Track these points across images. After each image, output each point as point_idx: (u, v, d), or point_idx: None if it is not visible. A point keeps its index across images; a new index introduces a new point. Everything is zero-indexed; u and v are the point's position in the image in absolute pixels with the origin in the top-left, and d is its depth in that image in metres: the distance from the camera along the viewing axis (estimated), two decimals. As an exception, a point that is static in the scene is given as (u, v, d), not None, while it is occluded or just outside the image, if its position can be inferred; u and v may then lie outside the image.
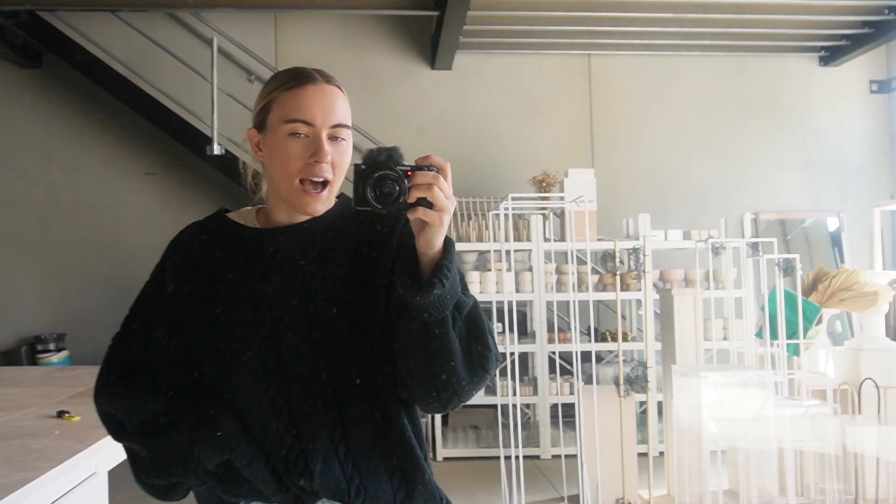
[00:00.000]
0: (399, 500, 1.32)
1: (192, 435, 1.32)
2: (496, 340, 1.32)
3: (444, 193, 1.17)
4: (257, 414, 1.31)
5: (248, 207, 1.47)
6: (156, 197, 6.77)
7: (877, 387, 4.28)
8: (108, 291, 6.45)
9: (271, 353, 1.32)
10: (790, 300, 4.45)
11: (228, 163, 5.91)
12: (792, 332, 4.44)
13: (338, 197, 1.42)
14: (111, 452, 2.02)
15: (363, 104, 6.72)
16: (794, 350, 4.48)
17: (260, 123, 1.37)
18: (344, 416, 1.31)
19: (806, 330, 4.43)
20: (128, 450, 1.41)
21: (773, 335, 4.42)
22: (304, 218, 1.38)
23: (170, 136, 6.47)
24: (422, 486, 1.34)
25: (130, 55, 6.53)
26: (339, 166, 1.33)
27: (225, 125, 6.05)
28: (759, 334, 4.64)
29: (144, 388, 1.36)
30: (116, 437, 1.40)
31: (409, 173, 1.18)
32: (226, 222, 1.44)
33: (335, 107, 1.33)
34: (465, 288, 1.27)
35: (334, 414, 1.31)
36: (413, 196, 1.17)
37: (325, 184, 1.33)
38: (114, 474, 2.12)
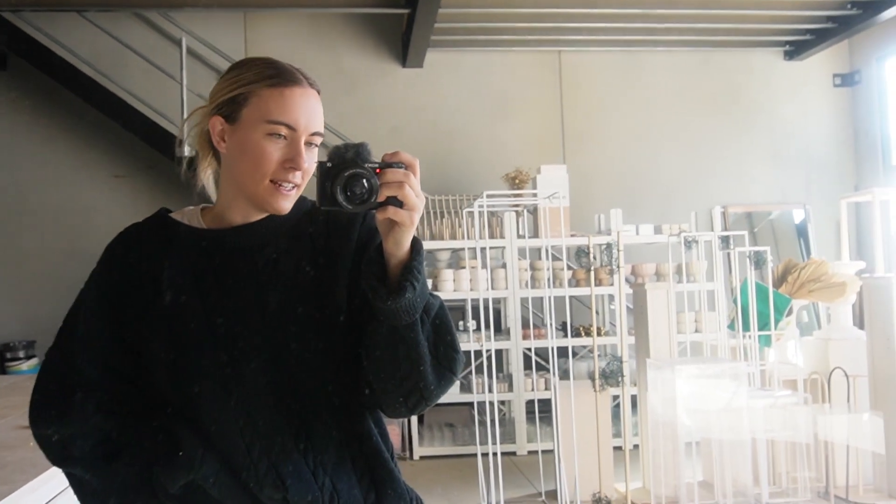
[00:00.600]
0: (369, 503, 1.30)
1: (151, 456, 1.24)
2: (470, 338, 1.30)
3: (415, 191, 1.12)
4: (219, 427, 1.25)
5: (191, 207, 1.38)
6: (126, 200, 6.69)
7: (846, 375, 4.35)
8: (75, 296, 6.36)
9: (229, 360, 1.25)
10: (761, 292, 4.51)
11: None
12: (763, 324, 4.50)
13: None
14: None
15: (334, 103, 6.69)
16: (766, 341, 4.54)
17: (229, 114, 1.28)
18: (309, 423, 1.27)
19: (777, 321, 4.50)
20: (71, 476, 1.30)
21: (745, 327, 4.48)
22: (258, 217, 1.32)
23: (139, 138, 6.41)
24: (391, 490, 1.31)
25: (98, 56, 6.45)
26: (307, 173, 1.28)
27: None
28: (732, 326, 4.70)
29: (90, 407, 1.26)
30: (59, 464, 1.29)
31: (378, 171, 1.13)
32: (171, 223, 1.36)
33: (317, 113, 1.28)
34: (430, 288, 1.24)
35: (299, 421, 1.26)
36: (382, 195, 1.12)
37: (293, 187, 1.29)
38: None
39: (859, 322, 4.98)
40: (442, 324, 1.23)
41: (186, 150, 1.43)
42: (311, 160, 1.28)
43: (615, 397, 5.42)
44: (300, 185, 1.29)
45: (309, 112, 1.27)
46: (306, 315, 1.28)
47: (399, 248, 1.15)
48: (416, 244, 1.16)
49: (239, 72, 1.29)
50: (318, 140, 1.30)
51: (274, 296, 1.28)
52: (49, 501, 1.86)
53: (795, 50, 7.33)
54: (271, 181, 1.26)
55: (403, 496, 1.33)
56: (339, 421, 1.29)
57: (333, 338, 1.28)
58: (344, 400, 1.29)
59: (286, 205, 1.28)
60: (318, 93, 1.31)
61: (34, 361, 6.21)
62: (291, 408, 1.27)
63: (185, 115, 5.88)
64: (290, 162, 1.25)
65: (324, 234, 1.32)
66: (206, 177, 1.40)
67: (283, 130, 1.25)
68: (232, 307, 1.28)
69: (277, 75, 1.27)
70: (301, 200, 1.35)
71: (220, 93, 1.30)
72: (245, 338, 1.27)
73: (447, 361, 1.23)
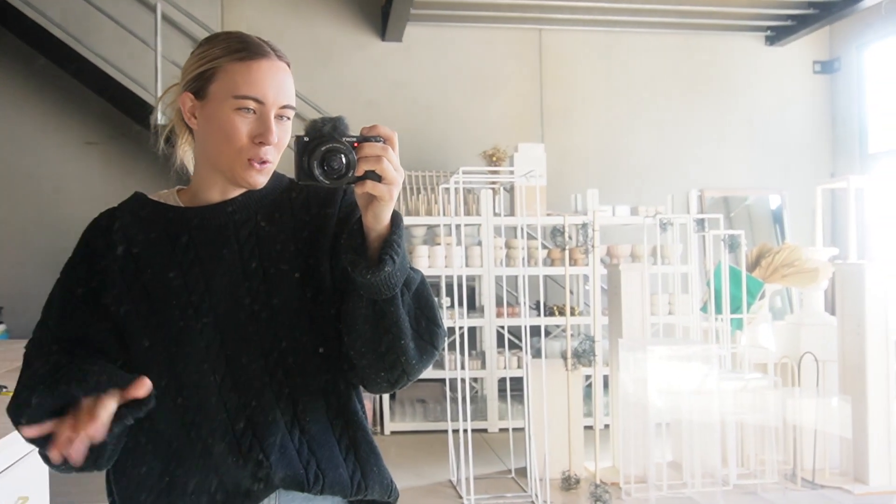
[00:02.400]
0: (355, 483, 1.28)
1: (113, 380, 1.14)
2: (443, 315, 1.28)
3: (393, 165, 1.12)
4: (204, 402, 1.24)
5: (166, 190, 1.37)
6: (97, 167, 6.58)
7: (816, 360, 4.39)
8: (46, 264, 6.23)
9: (214, 338, 1.25)
10: (734, 276, 4.53)
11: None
12: (736, 307, 4.52)
13: None
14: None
15: (311, 74, 6.62)
16: (738, 324, 4.56)
17: (198, 90, 1.27)
18: (296, 400, 1.26)
19: (749, 305, 4.52)
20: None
21: (718, 310, 4.50)
22: (235, 193, 1.31)
23: (112, 105, 6.30)
24: (376, 468, 1.31)
25: (70, 20, 6.31)
26: (280, 146, 1.27)
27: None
28: (704, 309, 4.72)
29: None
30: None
31: (356, 145, 1.12)
32: (147, 203, 1.33)
33: (286, 85, 1.26)
34: (410, 262, 1.23)
35: (286, 398, 1.25)
36: (361, 169, 1.11)
37: (265, 162, 1.27)
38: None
39: (831, 308, 5.02)
40: (423, 298, 1.23)
41: (160, 119, 1.40)
42: (283, 133, 1.27)
43: (587, 377, 5.44)
44: (273, 161, 1.28)
45: (277, 85, 1.25)
46: (290, 290, 1.27)
47: (378, 222, 1.14)
48: (395, 218, 1.16)
49: (207, 47, 1.28)
50: (290, 113, 1.28)
51: (257, 271, 1.27)
52: (11, 465, 1.85)
53: (776, 35, 7.33)
54: (247, 160, 1.25)
55: (385, 476, 1.32)
56: (326, 397, 1.29)
57: (318, 312, 1.27)
58: (330, 376, 1.29)
59: (261, 179, 1.27)
60: (289, 65, 1.30)
61: (1, 328, 6.12)
62: (277, 382, 1.26)
63: (159, 83, 5.82)
64: (260, 137, 1.24)
65: (304, 208, 1.32)
66: (184, 153, 1.39)
67: (252, 105, 1.24)
68: (215, 283, 1.26)
69: (244, 49, 1.25)
70: (279, 177, 1.35)
71: (189, 69, 1.29)
72: (229, 314, 1.26)
73: (428, 335, 1.23)
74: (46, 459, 1.19)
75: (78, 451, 1.11)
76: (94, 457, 1.19)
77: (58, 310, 1.29)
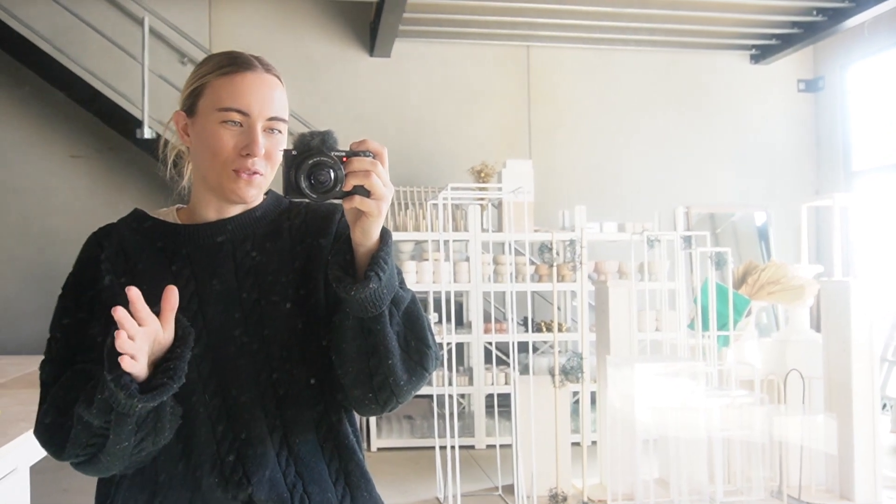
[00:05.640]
0: None
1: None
2: (434, 334, 1.25)
3: (382, 181, 1.10)
4: (192, 420, 1.21)
5: (165, 208, 1.35)
6: (82, 181, 6.55)
7: (802, 377, 4.40)
8: (31, 278, 6.23)
9: (205, 354, 1.23)
10: (721, 293, 4.54)
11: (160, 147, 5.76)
12: (722, 324, 4.53)
13: (266, 193, 1.34)
14: (33, 447, 1.93)
15: (299, 90, 6.61)
16: (725, 341, 4.57)
17: (189, 107, 1.28)
18: (286, 420, 1.24)
19: (736, 322, 4.53)
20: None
21: (705, 327, 4.50)
22: (233, 213, 1.30)
23: (98, 119, 6.28)
24: (367, 494, 1.28)
25: (57, 33, 6.29)
26: (273, 160, 1.25)
27: (156, 108, 5.88)
28: (691, 326, 4.73)
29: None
30: (100, 452, 1.15)
31: (345, 159, 1.10)
32: (146, 218, 1.32)
33: (273, 98, 1.25)
34: (402, 282, 1.21)
35: (276, 417, 1.23)
36: (349, 184, 1.10)
37: (253, 174, 1.25)
38: (35, 470, 2.04)
39: (816, 325, 5.04)
40: (413, 317, 1.21)
41: (147, 133, 1.39)
42: (274, 146, 1.25)
43: (574, 393, 5.43)
44: (263, 173, 1.26)
45: (263, 97, 1.24)
46: (285, 309, 1.26)
47: (366, 237, 1.13)
48: (384, 234, 1.14)
49: (199, 67, 1.30)
50: (280, 126, 1.26)
51: (252, 290, 1.26)
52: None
53: (761, 54, 7.40)
54: (233, 171, 1.23)
55: (378, 502, 1.30)
56: (318, 419, 1.26)
57: (312, 333, 1.25)
58: (323, 396, 1.26)
59: (250, 192, 1.25)
60: (279, 79, 1.29)
61: (-17, 343, 6.05)
62: (269, 402, 1.24)
63: (146, 97, 5.80)
64: (246, 149, 1.23)
65: (302, 230, 1.31)
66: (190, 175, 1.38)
67: (237, 117, 1.23)
68: (210, 301, 1.25)
69: (231, 63, 1.26)
70: (279, 199, 1.34)
71: (184, 90, 1.30)
72: (223, 332, 1.24)
73: (418, 356, 1.20)
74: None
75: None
76: (155, 417, 1.14)
77: (62, 325, 1.25)
